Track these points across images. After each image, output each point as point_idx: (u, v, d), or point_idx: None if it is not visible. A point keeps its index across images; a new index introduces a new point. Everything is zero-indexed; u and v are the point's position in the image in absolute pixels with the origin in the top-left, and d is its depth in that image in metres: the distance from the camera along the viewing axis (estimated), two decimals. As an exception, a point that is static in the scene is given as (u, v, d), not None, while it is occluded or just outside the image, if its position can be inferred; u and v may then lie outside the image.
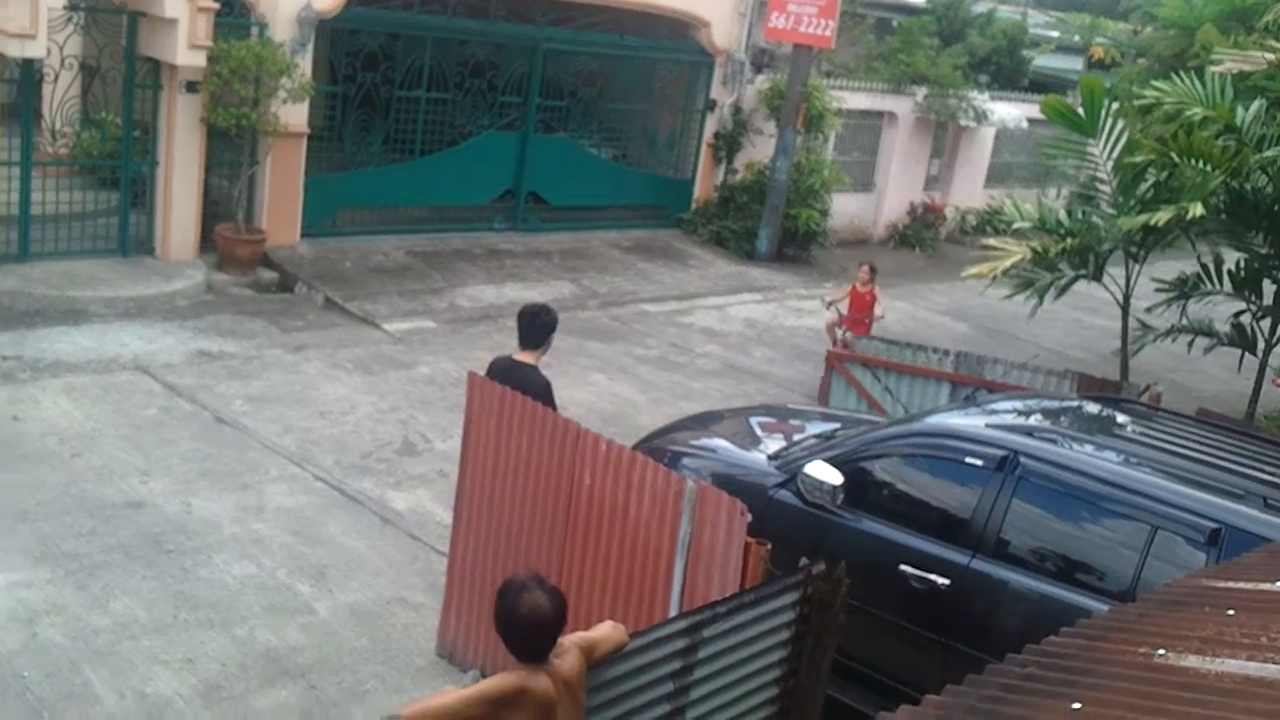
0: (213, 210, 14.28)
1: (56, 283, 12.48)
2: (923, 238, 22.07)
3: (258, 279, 14.03)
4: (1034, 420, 7.41)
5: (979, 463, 6.69)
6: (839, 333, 13.35)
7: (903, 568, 6.62)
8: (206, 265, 13.81)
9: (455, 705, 4.04)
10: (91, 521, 8.09)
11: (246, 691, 6.59)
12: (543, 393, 7.10)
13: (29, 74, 12.65)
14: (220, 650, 6.91)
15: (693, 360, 13.78)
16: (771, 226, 18.75)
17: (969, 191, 23.49)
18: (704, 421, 8.94)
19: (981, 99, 22.17)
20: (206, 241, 14.08)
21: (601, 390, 12.17)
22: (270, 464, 9.39)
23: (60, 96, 13.16)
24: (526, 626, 4.15)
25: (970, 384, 10.66)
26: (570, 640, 4.33)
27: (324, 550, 8.19)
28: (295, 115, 14.23)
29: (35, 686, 6.34)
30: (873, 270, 13.80)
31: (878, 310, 13.51)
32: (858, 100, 20.94)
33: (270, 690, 6.63)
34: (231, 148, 14.10)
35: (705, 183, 19.75)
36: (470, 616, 6.92)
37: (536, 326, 7.39)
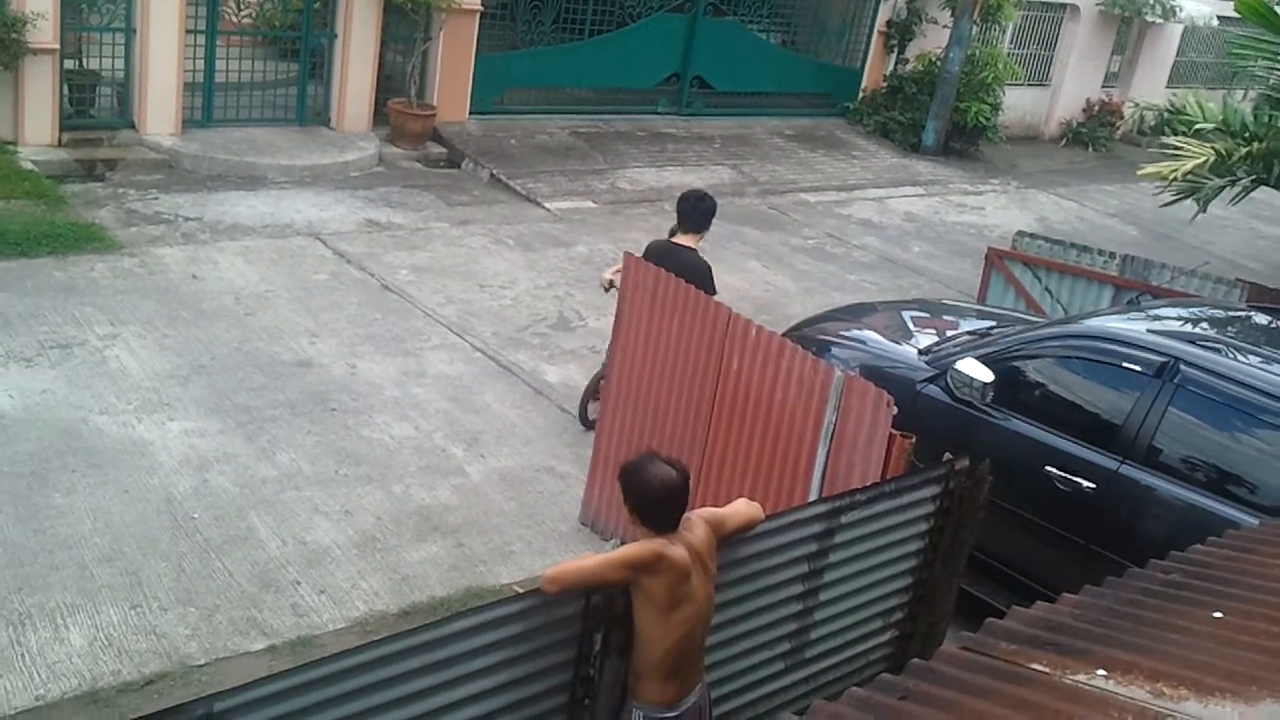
0: (386, 84, 14.59)
1: (237, 149, 12.94)
2: (1097, 136, 21.29)
3: (427, 153, 14.33)
4: (1198, 328, 7.21)
5: (1137, 368, 6.56)
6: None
7: (1048, 469, 6.57)
8: (378, 138, 14.14)
9: (595, 568, 4.20)
10: (262, 378, 8.51)
11: (399, 545, 6.93)
12: (704, 276, 7.29)
13: (215, -57, 13.00)
14: (376, 505, 7.27)
15: (849, 252, 13.66)
16: (940, 119, 18.28)
17: (1150, 90, 22.41)
18: (856, 313, 8.91)
19: (1172, -7, 21.09)
20: (379, 115, 14.40)
21: (755, 278, 12.18)
22: (431, 332, 9.71)
23: (244, -33, 13.52)
24: (659, 496, 4.26)
25: (1134, 288, 10.34)
26: (697, 514, 4.44)
27: (478, 417, 8.48)
28: (469, -9, 14.37)
29: (204, 528, 6.77)
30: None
31: None
32: (1039, -9, 20.14)
33: (421, 545, 6.97)
34: (406, 23, 14.31)
35: (874, 72, 19.30)
36: (614, 489, 7.07)
37: (700, 212, 7.55)
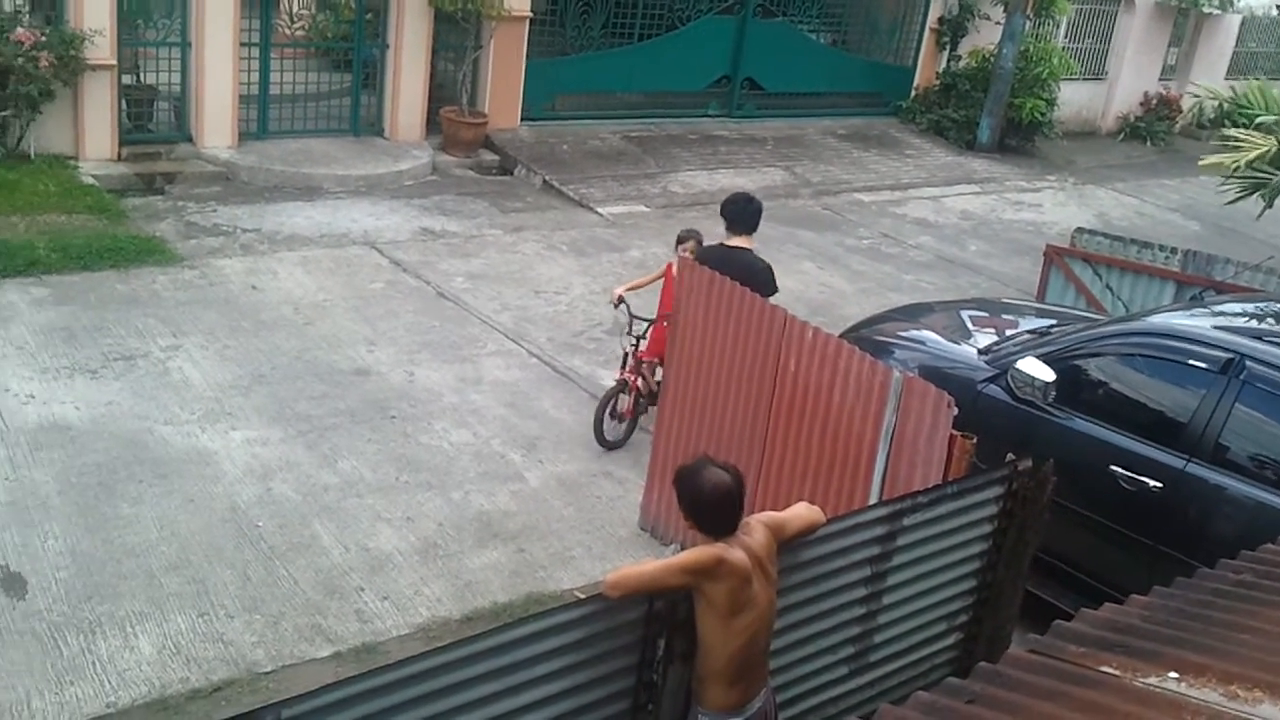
0: (438, 93, 14.70)
1: (293, 160, 13.08)
2: (1155, 130, 21.00)
3: (479, 161, 14.41)
4: (1264, 323, 7.10)
5: (1202, 365, 6.46)
6: (628, 342, 8.24)
7: (1113, 468, 6.49)
8: (431, 146, 14.24)
9: (655, 573, 4.19)
10: (322, 386, 8.59)
11: (460, 551, 6.96)
12: (767, 275, 7.42)
13: (269, -43, 13.16)
14: (437, 511, 7.31)
15: (905, 251, 13.57)
16: (994, 116, 18.13)
17: (1208, 82, 22.12)
18: (913, 313, 8.85)
19: (1230, -16, 20.79)
20: (432, 123, 14.50)
21: (810, 279, 12.12)
22: (487, 339, 9.75)
23: (298, -21, 13.67)
24: (714, 501, 4.26)
25: (1197, 284, 10.19)
26: (757, 519, 4.43)
27: (535, 423, 8.51)
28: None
29: (268, 536, 6.85)
30: (699, 243, 8.07)
31: None
32: (1093, -16, 19.91)
33: (482, 551, 7.00)
34: (457, 31, 14.39)
35: (926, 70, 19.17)
36: (673, 493, 7.09)
37: (750, 213, 7.58)
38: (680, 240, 8.17)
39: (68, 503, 6.85)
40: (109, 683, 5.59)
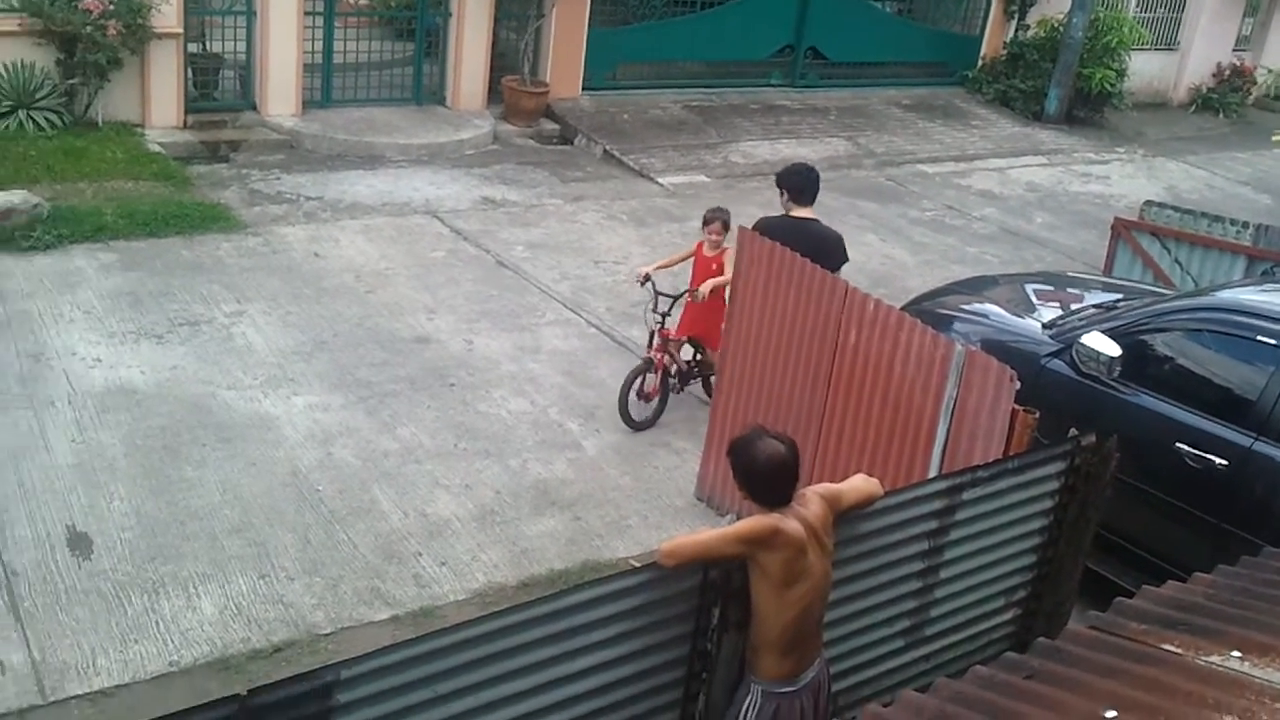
0: (500, 62, 14.68)
1: (356, 129, 13.16)
2: (1228, 102, 20.55)
3: (540, 130, 14.41)
4: (1338, 300, 6.92)
5: (1272, 342, 6.34)
6: (653, 320, 8.05)
7: (1178, 446, 6.38)
8: (493, 116, 14.25)
9: (710, 542, 4.19)
10: (382, 353, 8.65)
11: (517, 518, 7.00)
12: (839, 244, 7.44)
13: (333, -75, 13.20)
14: (495, 478, 7.35)
15: (969, 224, 13.41)
16: (1062, 86, 17.83)
17: (1286, 53, 21.68)
18: (977, 286, 8.75)
19: (1310, -49, 20.26)
20: (493, 93, 14.51)
21: (872, 250, 12.02)
22: (546, 308, 9.77)
23: (361, -52, 13.71)
24: (769, 471, 4.24)
25: (1269, 259, 9.97)
26: (813, 490, 4.40)
27: (593, 392, 8.52)
28: (581, -33, 14.39)
29: (329, 500, 6.92)
30: (725, 225, 8.08)
31: (704, 287, 8.02)
32: (1167, -49, 19.50)
33: (539, 519, 7.03)
34: (519, 0, 14.36)
35: (994, 39, 18.88)
36: (728, 464, 7.09)
37: (813, 182, 7.56)
38: (707, 221, 8.08)
39: (133, 465, 6.97)
40: (172, 642, 5.69)
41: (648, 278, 8.10)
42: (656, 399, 8.13)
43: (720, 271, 7.87)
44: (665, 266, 8.36)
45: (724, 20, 16.45)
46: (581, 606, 3.93)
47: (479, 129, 13.79)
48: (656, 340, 8.07)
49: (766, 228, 7.22)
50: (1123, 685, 3.38)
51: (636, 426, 8.06)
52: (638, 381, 8.05)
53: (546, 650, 3.88)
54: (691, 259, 8.29)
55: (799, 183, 7.50)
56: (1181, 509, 6.40)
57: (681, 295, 8.09)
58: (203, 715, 3.21)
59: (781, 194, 7.58)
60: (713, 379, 7.95)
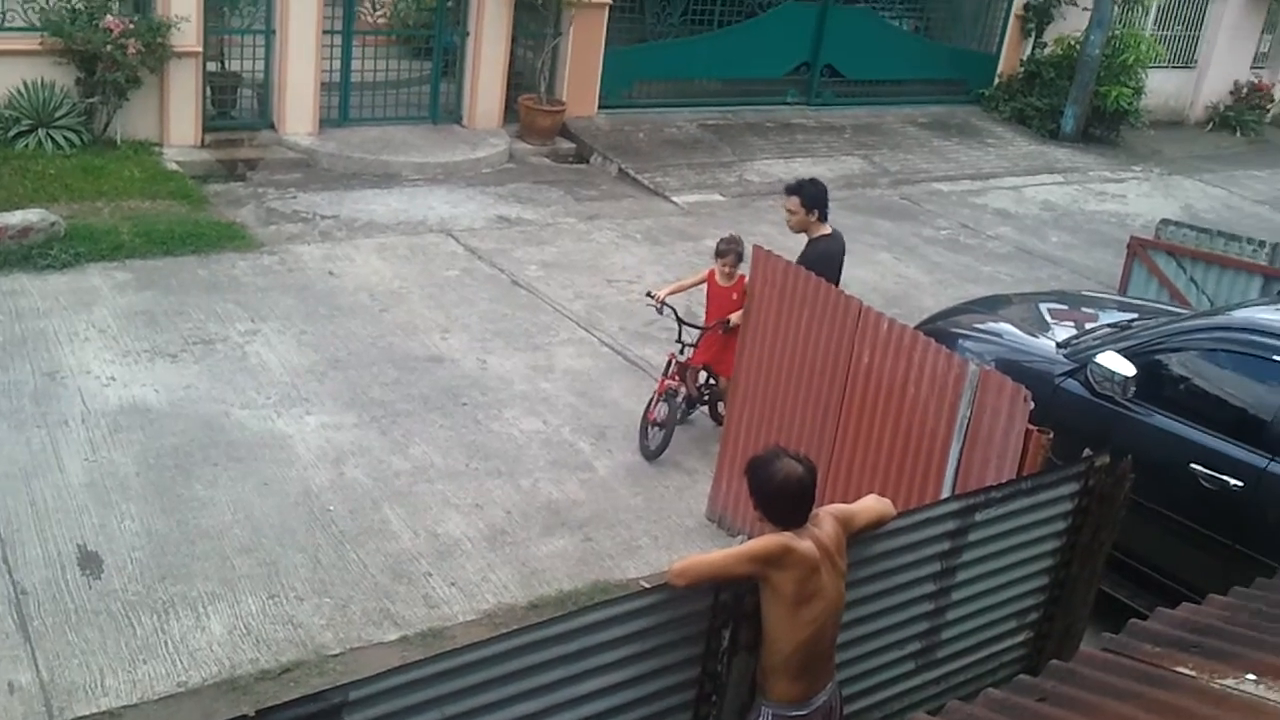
0: (516, 81, 14.73)
1: (372, 147, 13.20)
2: (1245, 120, 20.48)
3: (556, 149, 14.43)
4: (1356, 320, 6.86)
5: (1288, 362, 6.28)
6: (676, 349, 8.05)
7: (1193, 466, 6.33)
8: (509, 134, 14.28)
9: (722, 561, 4.16)
10: (396, 372, 8.66)
11: (528, 538, 6.99)
12: (829, 260, 7.45)
13: (350, -54, 13.28)
14: (506, 498, 7.34)
15: (984, 243, 13.37)
16: (1079, 104, 17.79)
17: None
18: (991, 305, 8.72)
19: (1329, -32, 20.20)
20: (509, 111, 14.54)
21: (886, 269, 11.99)
22: (560, 327, 9.77)
23: (378, -32, 13.79)
24: (785, 491, 4.22)
25: (1288, 279, 9.92)
26: (825, 510, 4.38)
27: (605, 412, 8.51)
28: (598, -14, 14.43)
29: (340, 520, 6.92)
30: (739, 256, 7.98)
31: (734, 317, 7.69)
32: (1185, -31, 19.48)
33: (550, 539, 7.01)
34: (536, 19, 14.42)
35: (1010, 57, 18.86)
36: (742, 484, 7.01)
37: (826, 196, 7.61)
38: (720, 253, 7.98)
39: (145, 484, 6.98)
40: (180, 662, 5.68)
41: (664, 303, 7.99)
42: (667, 427, 7.96)
43: (741, 302, 7.48)
44: (677, 291, 8.27)
45: (740, 39, 16.47)
46: (591, 628, 3.91)
47: (495, 147, 13.83)
48: (673, 367, 7.98)
49: (818, 265, 6.99)
50: (1136, 708, 3.35)
51: (651, 456, 7.92)
52: (653, 410, 7.95)
53: (556, 672, 3.86)
54: (704, 285, 8.18)
55: (825, 200, 7.59)
56: (1196, 530, 6.35)
57: (710, 328, 7.93)
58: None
59: (811, 213, 7.56)
60: (720, 405, 7.92)
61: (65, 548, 6.34)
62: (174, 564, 6.33)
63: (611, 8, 15.00)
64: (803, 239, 7.71)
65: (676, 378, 7.97)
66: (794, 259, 7.02)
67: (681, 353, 7.98)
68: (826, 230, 7.64)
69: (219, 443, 7.49)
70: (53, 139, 11.54)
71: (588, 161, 14.39)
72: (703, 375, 8.14)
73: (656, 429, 7.96)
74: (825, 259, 7.35)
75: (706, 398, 8.26)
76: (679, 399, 7.96)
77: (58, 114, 11.62)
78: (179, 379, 8.16)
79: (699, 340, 7.97)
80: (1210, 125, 20.62)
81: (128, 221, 10.46)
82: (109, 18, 11.49)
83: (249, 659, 5.76)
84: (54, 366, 8.09)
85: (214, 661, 5.71)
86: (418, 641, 5.99)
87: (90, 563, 6.26)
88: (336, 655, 5.86)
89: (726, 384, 7.70)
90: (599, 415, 8.45)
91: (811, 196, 7.57)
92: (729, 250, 7.98)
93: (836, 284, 6.87)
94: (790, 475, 4.23)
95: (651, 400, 8.02)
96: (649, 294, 8.18)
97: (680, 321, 7.95)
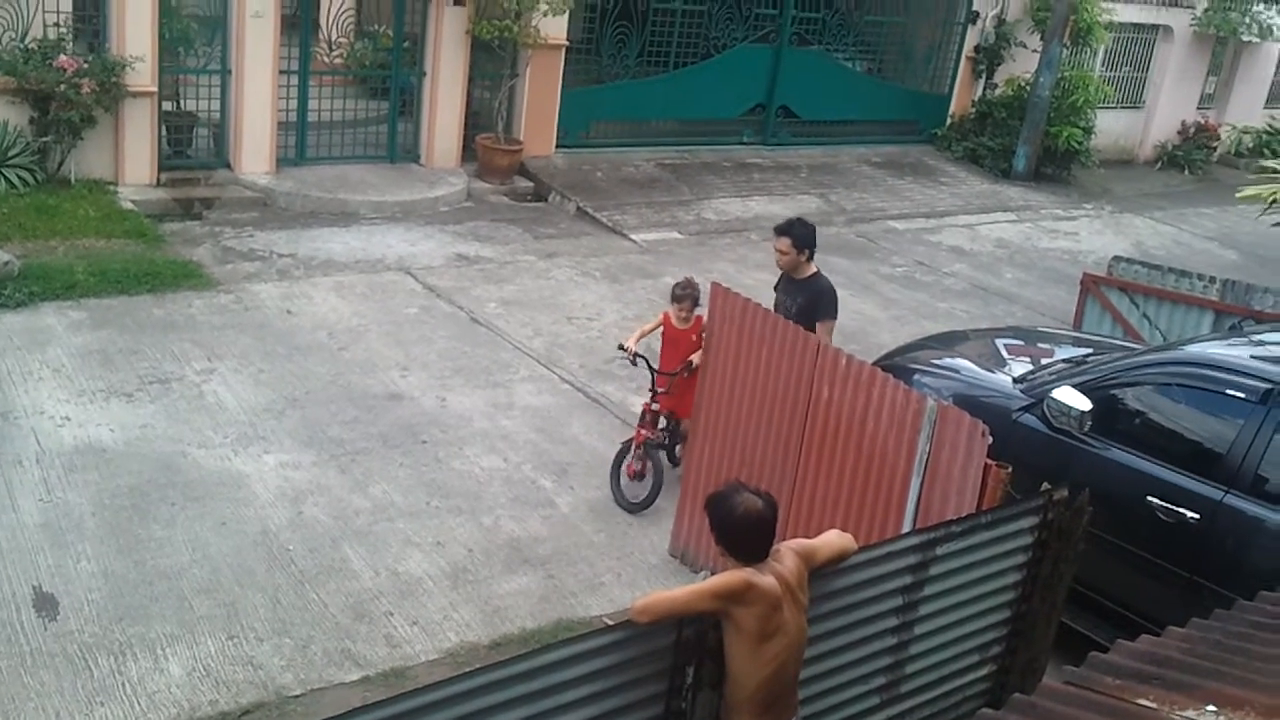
0: (474, 120, 14.79)
1: (329, 186, 13.18)
2: (1193, 159, 20.89)
3: (514, 187, 14.47)
4: (1305, 354, 6.98)
5: (1241, 395, 6.38)
6: (650, 398, 7.97)
7: (1150, 499, 6.40)
8: (467, 173, 14.31)
9: (684, 598, 4.16)
10: (355, 410, 8.61)
11: (490, 576, 6.95)
12: (832, 296, 7.66)
13: (308, -14, 13.30)
14: (467, 536, 7.30)
15: (939, 280, 13.51)
16: (1030, 144, 18.07)
17: (1247, 112, 22.02)
18: (948, 341, 8.80)
19: (1268, 13, 20.66)
20: (467, 150, 14.59)
21: (843, 306, 11.87)
22: (520, 364, 9.76)
23: (336, 9, 13.81)
24: (745, 526, 4.23)
25: (1236, 313, 10.08)
26: (787, 545, 4.39)
27: (566, 449, 8.50)
28: (555, 27, 14.48)
29: (299, 559, 6.85)
30: (695, 300, 8.02)
31: (695, 358, 7.65)
32: (1130, 13, 19.91)
33: (512, 576, 6.98)
34: (493, 60, 14.49)
35: (962, 98, 19.16)
36: (704, 520, 7.01)
37: (815, 236, 7.72)
38: (677, 298, 7.98)
39: (101, 525, 6.89)
40: (138, 705, 5.60)
41: (637, 355, 7.88)
42: (650, 475, 7.85)
43: (700, 343, 7.46)
44: (642, 337, 8.13)
45: (696, 80, 16.64)
46: (554, 666, 3.88)
47: (453, 186, 13.84)
48: (647, 417, 7.90)
49: (828, 297, 7.63)
50: (1098, 741, 3.37)
51: (631, 509, 7.80)
52: (623, 463, 7.87)
53: (519, 711, 3.83)
54: (660, 329, 8.14)
55: (814, 240, 7.71)
56: (1154, 562, 6.40)
57: (677, 373, 7.83)
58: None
59: (801, 253, 7.61)
60: (678, 448, 7.96)
61: (20, 589, 6.24)
62: (131, 605, 6.24)
63: (568, 49, 15.12)
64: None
65: (647, 426, 7.88)
66: (752, 296, 7.04)
67: (653, 401, 7.94)
68: (813, 269, 7.70)
69: (176, 483, 7.41)
70: (6, 178, 11.44)
71: (546, 200, 14.44)
72: (663, 420, 8.10)
73: (638, 481, 7.85)
74: (832, 293, 7.64)
75: (665, 441, 8.21)
76: (659, 451, 7.94)
77: (11, 153, 11.54)
78: (135, 418, 8.08)
79: (670, 386, 7.89)
80: (1159, 164, 20.99)
81: (82, 260, 10.38)
82: (63, 57, 11.43)
83: (208, 701, 5.68)
84: (7, 406, 7.99)
85: (173, 704, 5.62)
86: (379, 681, 5.92)
87: (46, 604, 6.16)
88: (297, 696, 5.79)
89: (688, 424, 7.66)
90: (560, 452, 8.44)
91: (802, 237, 7.64)
92: (685, 295, 7.98)
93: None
94: (750, 510, 4.24)
95: (626, 452, 7.91)
96: (621, 346, 8.07)
97: (653, 371, 7.90)
